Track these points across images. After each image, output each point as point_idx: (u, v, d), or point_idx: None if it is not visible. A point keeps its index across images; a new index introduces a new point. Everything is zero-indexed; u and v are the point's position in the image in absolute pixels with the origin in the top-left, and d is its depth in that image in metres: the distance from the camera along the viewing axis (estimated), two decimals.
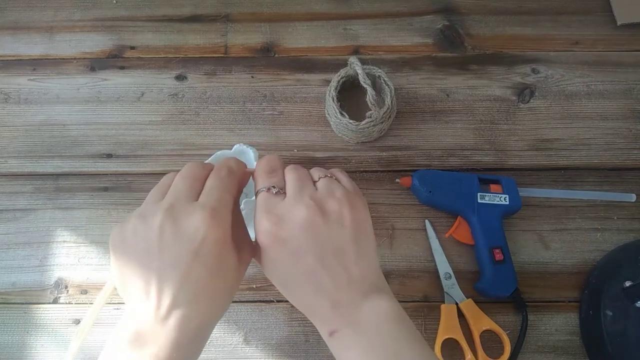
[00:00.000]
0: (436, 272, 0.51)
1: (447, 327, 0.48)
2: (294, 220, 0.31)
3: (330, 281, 0.31)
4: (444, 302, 0.49)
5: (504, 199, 0.51)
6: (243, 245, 0.34)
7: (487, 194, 0.51)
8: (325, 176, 0.35)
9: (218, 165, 0.35)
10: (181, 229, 0.30)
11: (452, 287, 0.50)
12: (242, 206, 0.42)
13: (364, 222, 0.34)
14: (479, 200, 0.51)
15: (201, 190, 0.32)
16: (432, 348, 0.48)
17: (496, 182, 0.52)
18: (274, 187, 0.33)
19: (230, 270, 0.32)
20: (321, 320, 0.32)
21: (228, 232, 0.31)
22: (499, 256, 0.48)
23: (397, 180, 0.53)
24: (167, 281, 0.29)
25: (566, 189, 0.54)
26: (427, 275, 0.51)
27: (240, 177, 0.35)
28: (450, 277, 0.50)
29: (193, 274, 0.29)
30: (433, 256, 0.51)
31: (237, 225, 0.34)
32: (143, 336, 0.28)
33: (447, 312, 0.48)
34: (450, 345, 0.47)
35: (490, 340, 0.48)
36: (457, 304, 0.49)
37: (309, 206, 0.32)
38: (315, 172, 0.36)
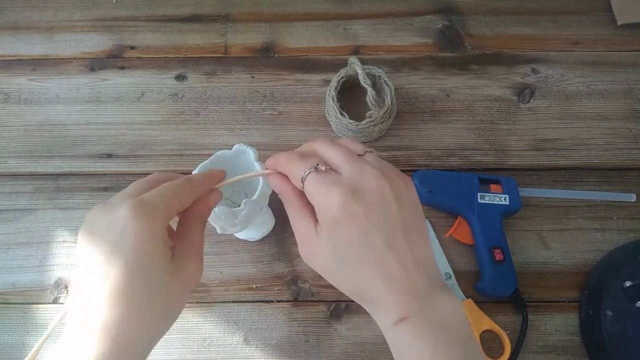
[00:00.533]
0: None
1: None
2: (368, 191, 0.28)
3: (398, 264, 0.28)
4: None
5: (504, 199, 0.51)
6: (188, 262, 0.31)
7: (487, 194, 0.51)
8: (370, 151, 0.31)
9: (181, 175, 0.33)
10: (107, 220, 0.28)
11: (452, 287, 0.50)
12: (242, 206, 0.42)
13: (419, 201, 0.31)
14: (479, 200, 0.51)
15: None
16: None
17: (496, 182, 0.52)
18: (318, 165, 0.29)
19: (158, 271, 0.28)
20: (385, 306, 0.28)
21: (157, 228, 0.28)
22: (499, 256, 0.48)
23: None
24: (89, 278, 0.27)
25: (566, 189, 0.54)
26: None
27: (201, 186, 0.33)
28: (450, 277, 0.50)
29: (112, 265, 0.27)
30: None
31: (186, 240, 0.32)
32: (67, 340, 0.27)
33: None
34: None
35: (490, 341, 0.48)
36: None
37: (377, 177, 0.28)
38: (354, 145, 0.32)
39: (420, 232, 0.30)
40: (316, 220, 0.30)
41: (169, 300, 0.29)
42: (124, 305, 0.27)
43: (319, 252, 0.29)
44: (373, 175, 0.28)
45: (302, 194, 0.31)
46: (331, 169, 0.29)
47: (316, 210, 0.29)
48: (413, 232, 0.29)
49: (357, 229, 0.27)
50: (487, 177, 0.53)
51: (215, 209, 0.41)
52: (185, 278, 0.30)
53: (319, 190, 0.29)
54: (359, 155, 0.31)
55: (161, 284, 0.28)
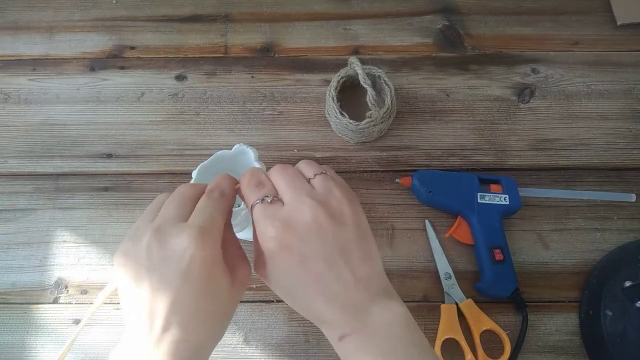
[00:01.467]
0: (436, 272, 0.51)
1: (447, 327, 0.48)
2: (300, 222, 0.30)
3: (338, 284, 0.30)
4: (444, 302, 0.49)
5: (504, 198, 0.51)
6: (238, 266, 0.33)
7: (487, 194, 0.51)
8: (321, 173, 0.33)
9: (210, 186, 0.33)
10: (168, 250, 0.29)
11: (452, 287, 0.50)
12: (242, 206, 0.42)
13: (364, 219, 0.33)
14: (479, 200, 0.51)
15: (192, 211, 0.31)
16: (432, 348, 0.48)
17: (496, 182, 0.52)
18: (266, 196, 0.32)
19: (223, 291, 0.30)
20: (330, 325, 0.31)
21: (218, 252, 0.30)
22: (499, 256, 0.48)
23: (397, 180, 0.53)
24: (158, 303, 0.28)
25: (566, 189, 0.54)
26: (427, 275, 0.51)
27: (232, 196, 0.34)
28: (450, 277, 0.50)
29: (183, 296, 0.28)
30: (433, 256, 0.51)
31: (231, 244, 0.33)
32: None
33: (447, 312, 0.48)
34: (450, 346, 0.47)
35: (490, 341, 0.48)
36: (457, 304, 0.49)
37: (312, 206, 0.30)
38: (307, 169, 0.34)
39: (362, 249, 0.31)
40: None
41: (231, 309, 0.32)
42: (199, 324, 0.29)
43: (266, 279, 0.32)
44: (307, 204, 0.30)
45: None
46: (278, 199, 0.32)
47: (259, 242, 0.31)
48: (353, 250, 0.31)
49: (292, 258, 0.30)
50: (487, 177, 0.53)
51: None
52: (241, 280, 0.32)
53: (259, 224, 0.31)
54: (309, 178, 0.33)
55: (226, 299, 0.31)
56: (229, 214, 0.34)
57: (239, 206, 0.42)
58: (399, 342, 0.29)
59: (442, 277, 0.50)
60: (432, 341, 0.48)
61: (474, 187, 0.51)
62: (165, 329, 0.28)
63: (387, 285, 0.32)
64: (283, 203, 0.31)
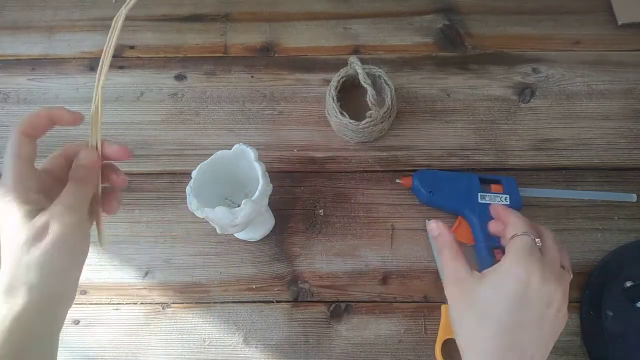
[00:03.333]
0: (436, 272, 0.51)
1: (448, 328, 0.48)
2: (557, 282, 0.33)
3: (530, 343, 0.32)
4: (444, 302, 0.49)
5: (505, 199, 0.51)
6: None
7: (487, 194, 0.51)
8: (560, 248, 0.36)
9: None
10: None
11: None
12: (242, 206, 0.42)
13: (561, 328, 0.35)
14: (480, 201, 0.51)
15: None
16: (432, 349, 0.47)
17: (497, 182, 0.52)
18: (536, 238, 0.35)
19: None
20: None
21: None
22: (499, 256, 0.48)
23: (398, 180, 0.53)
24: None
25: (567, 189, 0.54)
26: (427, 276, 0.51)
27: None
28: None
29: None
30: (433, 256, 0.51)
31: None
32: None
33: (447, 312, 0.48)
34: (451, 346, 0.47)
35: None
36: None
37: (558, 280, 0.33)
38: (550, 238, 0.36)
39: (548, 345, 0.33)
40: (473, 267, 0.36)
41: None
42: None
43: (470, 292, 0.34)
44: (557, 275, 0.33)
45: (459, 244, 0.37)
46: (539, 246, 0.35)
47: (504, 261, 0.34)
48: (547, 335, 0.33)
49: (517, 294, 0.32)
50: (488, 177, 0.52)
51: (216, 209, 0.41)
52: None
53: (524, 253, 0.33)
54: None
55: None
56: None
57: (238, 206, 0.42)
58: None
59: (442, 277, 0.50)
60: (433, 342, 0.48)
61: (474, 187, 0.51)
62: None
63: None
64: (541, 254, 0.34)
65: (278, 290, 0.51)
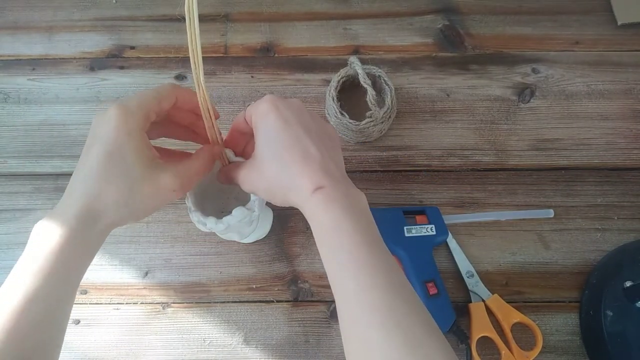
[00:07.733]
0: (457, 271, 0.50)
1: (480, 326, 0.47)
2: (291, 103, 0.36)
3: (315, 150, 0.33)
4: (470, 301, 0.49)
5: (431, 229, 0.50)
6: (165, 169, 0.34)
7: (413, 227, 0.50)
8: None
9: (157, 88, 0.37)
10: (101, 117, 0.34)
11: (476, 284, 0.49)
12: (232, 213, 0.40)
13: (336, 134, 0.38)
14: (407, 234, 0.49)
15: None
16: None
17: (421, 212, 0.51)
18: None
19: (136, 167, 0.33)
20: (306, 180, 0.32)
21: (134, 128, 0.33)
22: (432, 290, 0.47)
23: None
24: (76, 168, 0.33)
25: (492, 211, 0.53)
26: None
27: (170, 95, 0.36)
28: (472, 275, 0.50)
29: (91, 156, 0.32)
30: (453, 256, 0.51)
31: (183, 161, 0.36)
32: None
33: (476, 310, 0.48)
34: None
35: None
36: (483, 301, 0.49)
37: (300, 104, 0.37)
38: None
39: (334, 146, 0.36)
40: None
41: (133, 192, 0.33)
42: (101, 185, 0.32)
43: (255, 153, 0.35)
44: (296, 101, 0.37)
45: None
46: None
47: (252, 118, 0.36)
48: (326, 138, 0.35)
49: (281, 118, 0.34)
50: (411, 209, 0.52)
51: (233, 211, 0.39)
52: (156, 186, 0.33)
53: (253, 105, 0.36)
54: None
55: (137, 177, 0.33)
56: (157, 107, 0.36)
57: (248, 209, 0.41)
58: (365, 213, 0.33)
59: (464, 276, 0.50)
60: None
61: (400, 221, 0.50)
62: (71, 184, 0.33)
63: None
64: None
65: (278, 290, 0.51)
